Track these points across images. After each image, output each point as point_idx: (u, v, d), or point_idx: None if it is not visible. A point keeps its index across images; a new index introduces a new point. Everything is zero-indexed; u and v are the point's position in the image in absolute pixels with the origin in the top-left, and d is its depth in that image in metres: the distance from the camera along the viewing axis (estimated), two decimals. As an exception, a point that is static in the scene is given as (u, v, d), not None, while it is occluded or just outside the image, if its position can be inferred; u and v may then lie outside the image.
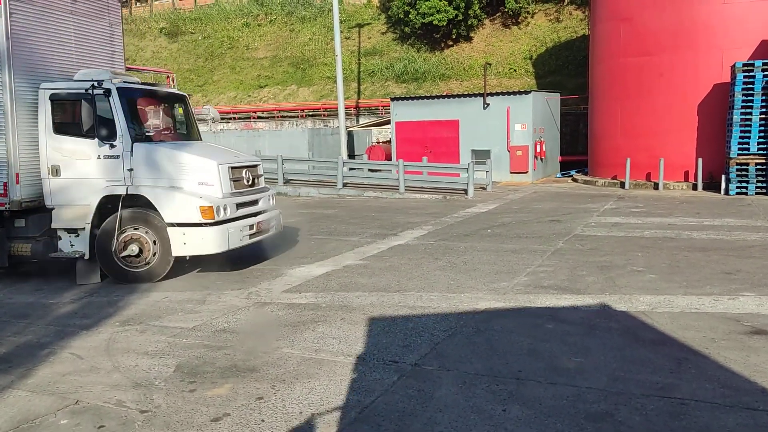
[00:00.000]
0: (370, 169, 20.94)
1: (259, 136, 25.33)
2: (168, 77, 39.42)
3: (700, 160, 18.15)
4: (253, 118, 35.61)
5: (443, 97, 23.94)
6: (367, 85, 35.28)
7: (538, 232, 11.65)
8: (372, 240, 11.17)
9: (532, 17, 35.07)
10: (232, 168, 8.44)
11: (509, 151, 22.56)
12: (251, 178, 8.82)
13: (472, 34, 34.97)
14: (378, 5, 38.94)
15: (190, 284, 8.08)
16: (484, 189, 19.34)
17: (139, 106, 8.72)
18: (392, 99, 24.28)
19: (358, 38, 36.96)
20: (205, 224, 7.94)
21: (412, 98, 24.16)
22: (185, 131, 9.57)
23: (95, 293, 7.65)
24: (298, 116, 34.79)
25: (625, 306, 6.62)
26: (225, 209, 8.11)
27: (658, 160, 18.64)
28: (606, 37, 20.68)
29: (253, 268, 8.97)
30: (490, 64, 28.89)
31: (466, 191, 18.10)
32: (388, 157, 24.53)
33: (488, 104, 22.63)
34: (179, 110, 9.65)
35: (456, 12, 32.54)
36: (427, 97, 24.05)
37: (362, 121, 31.93)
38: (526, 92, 22.80)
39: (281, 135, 25.58)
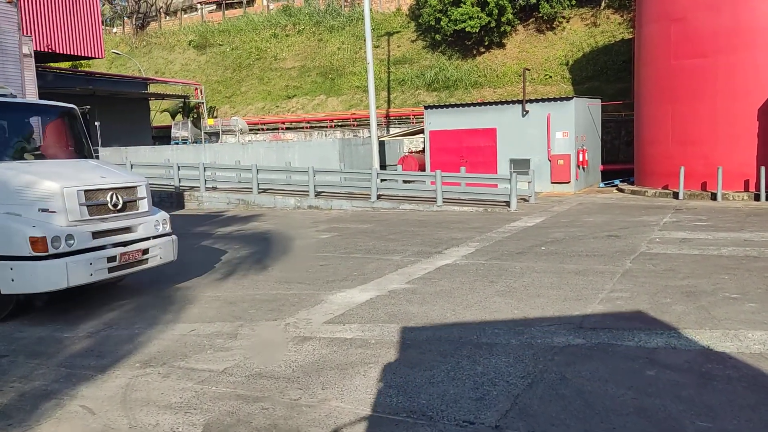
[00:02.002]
0: (404, 181, 20.01)
1: (288, 147, 24.61)
2: (196, 89, 39.25)
3: (762, 169, 16.81)
4: (282, 129, 35.04)
5: (479, 104, 22.93)
6: (397, 93, 34.47)
7: (598, 249, 10.56)
8: (416, 259, 10.21)
9: (567, 22, 33.93)
10: (88, 191, 7.22)
11: (550, 161, 21.43)
12: (122, 201, 7.56)
13: (504, 41, 33.96)
14: (407, 13, 38.20)
15: (220, 313, 7.21)
16: (527, 201, 18.25)
17: None
18: (426, 107, 23.36)
19: (387, 47, 36.20)
20: (36, 258, 6.71)
21: (447, 106, 23.20)
22: (73, 148, 8.42)
23: (114, 325, 6.82)
24: (327, 126, 34.11)
25: (734, 345, 5.53)
26: (68, 239, 6.87)
27: (716, 168, 17.34)
28: (655, 38, 19.49)
29: (290, 294, 8.08)
30: (529, 69, 27.80)
31: (508, 203, 17.05)
32: (422, 168, 23.58)
33: (527, 111, 21.56)
34: (68, 125, 8.50)
35: (489, 18, 31.59)
36: (463, 105, 23.07)
37: (393, 130, 31.09)
38: (568, 98, 21.66)
39: (311, 146, 24.82)
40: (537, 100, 22.04)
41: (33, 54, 12.37)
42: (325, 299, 7.75)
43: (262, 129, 35.74)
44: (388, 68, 35.26)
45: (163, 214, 8.34)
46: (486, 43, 33.38)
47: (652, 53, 19.68)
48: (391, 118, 32.54)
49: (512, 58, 33.49)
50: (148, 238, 7.92)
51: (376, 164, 22.74)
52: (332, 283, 8.65)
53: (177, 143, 32.81)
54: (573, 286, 7.99)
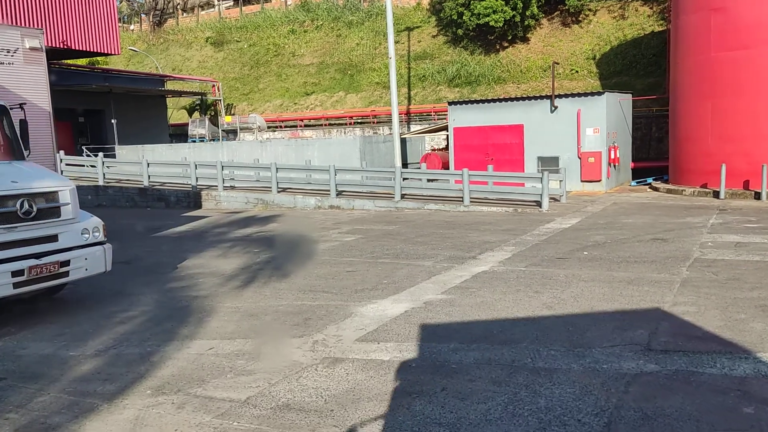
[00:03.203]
0: (428, 179, 19.25)
1: (308, 145, 23.98)
2: (213, 86, 38.78)
3: (811, 166, 15.83)
4: (300, 126, 34.44)
5: (506, 100, 22.08)
6: (417, 90, 33.69)
7: (647, 254, 9.75)
8: (449, 265, 9.48)
9: (594, 15, 32.88)
10: None
11: (580, 158, 20.54)
12: (35, 209, 6.78)
13: (529, 35, 33.01)
14: (428, 8, 37.36)
15: (241, 328, 6.54)
16: (558, 200, 17.41)
17: None
18: (450, 103, 22.57)
19: (407, 42, 35.41)
20: None
21: (472, 102, 22.39)
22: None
23: (125, 342, 6.18)
24: (346, 124, 33.44)
25: (838, 374, 4.75)
26: None
27: (760, 166, 16.38)
28: (693, 30, 18.50)
29: (316, 305, 7.39)
30: (558, 63, 26.86)
31: (539, 203, 16.23)
32: (445, 166, 22.82)
33: (556, 107, 20.69)
34: None
35: (513, 12, 30.67)
36: (488, 101, 22.24)
37: (414, 127, 30.32)
38: (600, 93, 20.76)
39: (331, 143, 24.16)
40: (566, 95, 21.16)
41: (44, 48, 11.79)
42: (355, 312, 7.06)
43: (281, 126, 35.17)
44: (409, 64, 34.48)
45: (93, 221, 7.58)
46: (509, 38, 32.46)
47: (690, 45, 18.70)
48: (412, 114, 31.76)
49: (537, 53, 32.53)
50: (71, 249, 7.17)
51: (399, 162, 22.04)
52: (361, 292, 7.95)
53: (194, 141, 32.35)
54: (628, 298, 7.22)
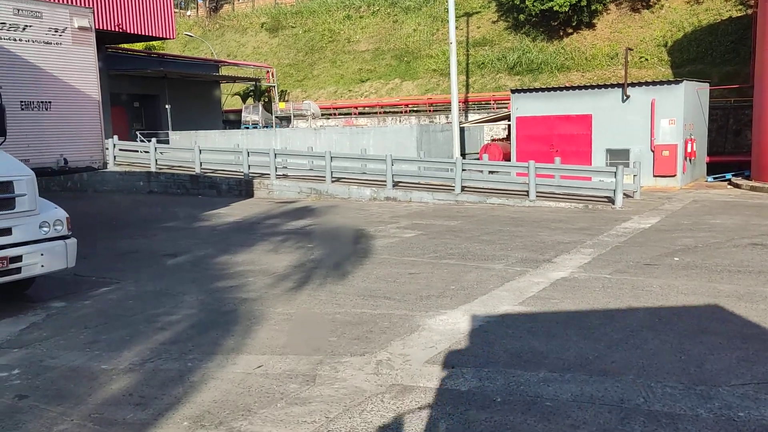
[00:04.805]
0: (489, 171, 18.15)
1: (362, 133, 23.16)
2: (267, 72, 38.44)
3: None
4: (355, 114, 33.69)
5: (574, 88, 20.68)
6: (476, 77, 32.40)
7: (750, 263, 8.50)
8: (522, 268, 8.48)
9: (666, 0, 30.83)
10: None
11: (653, 151, 19.04)
12: None
13: (595, 21, 31.24)
14: (488, -8, 35.90)
15: (294, 341, 5.75)
16: (630, 196, 16.05)
17: None
18: (513, 91, 21.32)
19: (466, 28, 34.09)
20: None
21: (537, 90, 21.09)
22: None
23: (164, 354, 5.47)
24: (401, 112, 32.49)
25: None
26: None
27: None
28: (789, 11, 16.71)
29: (377, 314, 6.54)
30: (632, 49, 25.10)
31: (611, 200, 14.96)
32: (506, 157, 21.63)
33: (628, 96, 19.20)
34: None
35: (580, -5, 29.01)
36: (555, 89, 20.90)
37: (472, 116, 29.12)
38: (677, 81, 19.15)
39: (386, 132, 23.27)
40: (640, 84, 19.63)
41: (93, 28, 11.31)
42: (422, 324, 6.17)
43: (334, 114, 34.51)
44: (467, 51, 33.19)
45: (55, 214, 7.03)
46: (574, 24, 30.77)
47: (785, 28, 16.91)
48: (470, 103, 30.54)
49: (603, 40, 30.74)
50: (24, 243, 6.60)
51: (457, 152, 21.00)
52: (427, 300, 7.06)
53: (247, 128, 32.02)
54: (744, 320, 6.08)
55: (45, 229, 6.88)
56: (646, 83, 19.64)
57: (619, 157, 18.97)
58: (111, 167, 20.85)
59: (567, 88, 20.78)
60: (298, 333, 5.96)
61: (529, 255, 9.40)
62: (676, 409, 4.20)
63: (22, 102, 10.51)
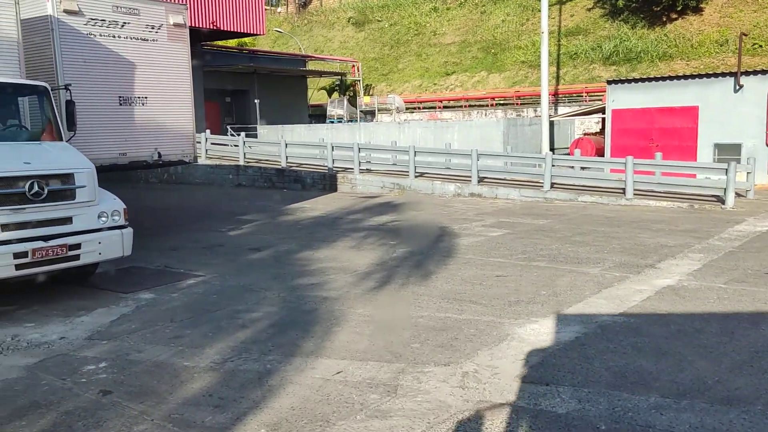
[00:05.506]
0: (581, 167, 17.22)
1: (447, 127, 22.70)
2: (353, 66, 38.63)
3: None
4: (439, 107, 33.21)
5: (678, 77, 19.26)
6: (567, 68, 31.05)
7: None
8: (621, 274, 7.81)
9: (785, -21, 28.21)
10: None
11: (768, 147, 17.40)
12: (46, 191, 6.63)
13: (702, 5, 29.12)
14: (582, -22, 34.28)
15: (375, 345, 5.47)
16: (742, 196, 14.71)
17: None
18: (609, 82, 20.15)
19: (558, 16, 32.73)
20: None
21: (636, 80, 19.81)
22: (37, 128, 7.80)
23: (244, 353, 5.34)
24: (487, 105, 31.69)
25: None
26: None
27: None
28: None
29: (462, 319, 6.17)
30: (746, 35, 23.14)
31: (721, 199, 13.75)
32: (600, 152, 20.51)
33: (741, 86, 17.64)
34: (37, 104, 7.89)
35: (685, -22, 27.10)
36: (656, 79, 19.55)
37: (563, 109, 27.93)
38: (799, 69, 17.38)
39: (472, 126, 22.69)
40: (755, 72, 17.97)
41: (187, 24, 11.54)
42: (512, 333, 5.73)
43: (419, 108, 34.17)
44: (558, 40, 31.85)
45: (113, 204, 7.38)
46: (679, 8, 28.82)
47: None
48: (561, 95, 29.30)
49: (711, 25, 28.57)
50: (83, 232, 6.96)
51: (546, 147, 20.15)
52: (516, 306, 6.60)
53: (332, 122, 32.30)
54: None
55: (103, 218, 7.24)
56: (762, 71, 17.95)
57: (728, 152, 17.50)
58: (203, 160, 21.56)
59: (670, 78, 19.39)
60: (379, 337, 5.68)
61: (628, 259, 8.68)
62: (818, 451, 3.58)
63: (120, 97, 10.87)
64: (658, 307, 6.43)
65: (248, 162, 21.53)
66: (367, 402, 4.34)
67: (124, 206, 7.51)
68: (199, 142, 21.08)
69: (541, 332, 5.74)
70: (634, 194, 14.58)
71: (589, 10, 32.64)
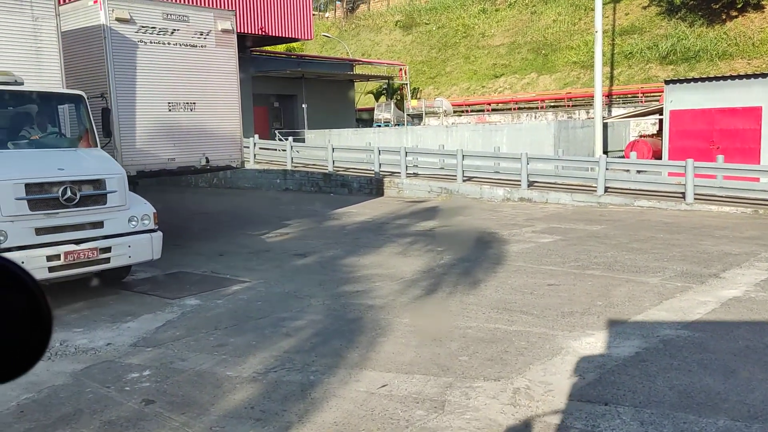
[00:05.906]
0: (637, 171, 16.58)
1: (496, 130, 22.31)
2: (400, 69, 38.54)
3: None
4: (488, 110, 32.73)
5: (740, 77, 18.39)
6: (622, 69, 30.13)
7: None
8: (683, 284, 7.38)
9: None
10: (32, 184, 6.60)
11: (840, 148, 16.37)
12: (78, 196, 6.84)
13: (763, 2, 27.75)
14: (637, -24, 33.24)
15: (421, 357, 5.27)
16: (812, 201, 13.83)
17: None
18: (667, 82, 19.41)
19: (612, 15, 31.81)
20: None
21: (696, 80, 19.01)
22: (75, 136, 8.07)
23: (287, 363, 5.22)
24: (537, 108, 31.04)
25: None
26: None
27: None
28: None
29: (513, 330, 5.90)
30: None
31: (789, 205, 12.97)
32: (656, 155, 19.76)
33: (810, 84, 16.66)
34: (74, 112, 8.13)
35: (748, -27, 25.91)
36: (717, 78, 18.72)
37: (617, 111, 27.08)
38: None
39: (521, 129, 22.23)
40: (826, 69, 16.95)
41: (235, 30, 11.62)
42: (566, 347, 5.44)
43: (467, 111, 33.78)
44: (613, 40, 30.95)
45: (143, 209, 7.56)
46: (739, 5, 27.58)
47: None
48: (614, 96, 28.44)
49: (775, 21, 27.23)
50: (114, 236, 7.16)
51: (600, 150, 19.53)
52: (569, 317, 6.28)
53: (379, 125, 32.24)
54: None
55: (133, 223, 7.42)
56: (833, 69, 16.93)
57: (794, 154, 16.58)
58: (251, 165, 21.80)
59: (732, 78, 18.52)
60: (426, 349, 5.48)
61: (690, 268, 8.21)
62: None
63: (169, 103, 11.02)
64: (723, 320, 6.02)
65: (295, 166, 21.66)
66: (412, 419, 4.15)
67: (154, 210, 7.67)
68: (248, 147, 21.32)
69: (597, 346, 5.43)
70: (695, 198, 13.91)
71: (644, 8, 31.62)
